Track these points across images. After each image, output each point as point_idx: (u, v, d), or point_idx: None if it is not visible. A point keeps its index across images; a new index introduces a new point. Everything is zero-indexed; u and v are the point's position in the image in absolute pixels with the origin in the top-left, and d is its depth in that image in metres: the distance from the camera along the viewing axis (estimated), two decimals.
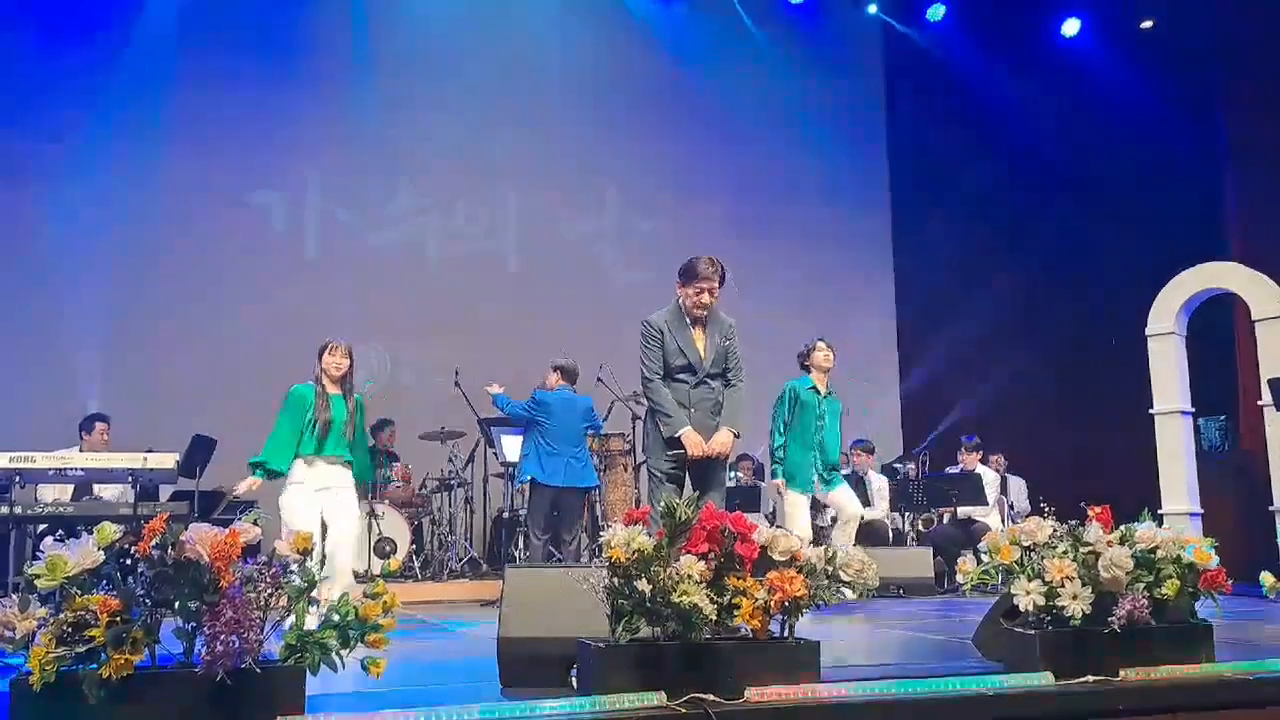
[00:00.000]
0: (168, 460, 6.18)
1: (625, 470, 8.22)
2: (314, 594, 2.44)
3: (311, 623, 2.44)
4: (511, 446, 8.01)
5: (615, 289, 10.63)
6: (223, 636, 2.24)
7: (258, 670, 2.28)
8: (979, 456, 8.69)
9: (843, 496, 6.57)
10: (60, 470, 6.08)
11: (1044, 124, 10.70)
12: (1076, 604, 2.99)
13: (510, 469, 8.29)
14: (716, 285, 4.71)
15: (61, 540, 2.32)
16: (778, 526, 6.41)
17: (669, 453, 4.65)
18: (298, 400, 5.25)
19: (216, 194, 9.85)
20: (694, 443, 4.59)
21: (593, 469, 7.23)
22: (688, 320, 4.73)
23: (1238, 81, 9.82)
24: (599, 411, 7.57)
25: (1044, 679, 2.89)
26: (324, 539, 5.03)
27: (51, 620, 2.23)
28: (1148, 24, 10.67)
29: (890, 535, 8.75)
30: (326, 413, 5.21)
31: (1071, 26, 11.10)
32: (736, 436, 4.75)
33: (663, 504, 2.81)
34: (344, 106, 10.27)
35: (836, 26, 11.71)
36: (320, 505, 5.13)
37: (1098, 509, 3.21)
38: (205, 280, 9.67)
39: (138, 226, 9.63)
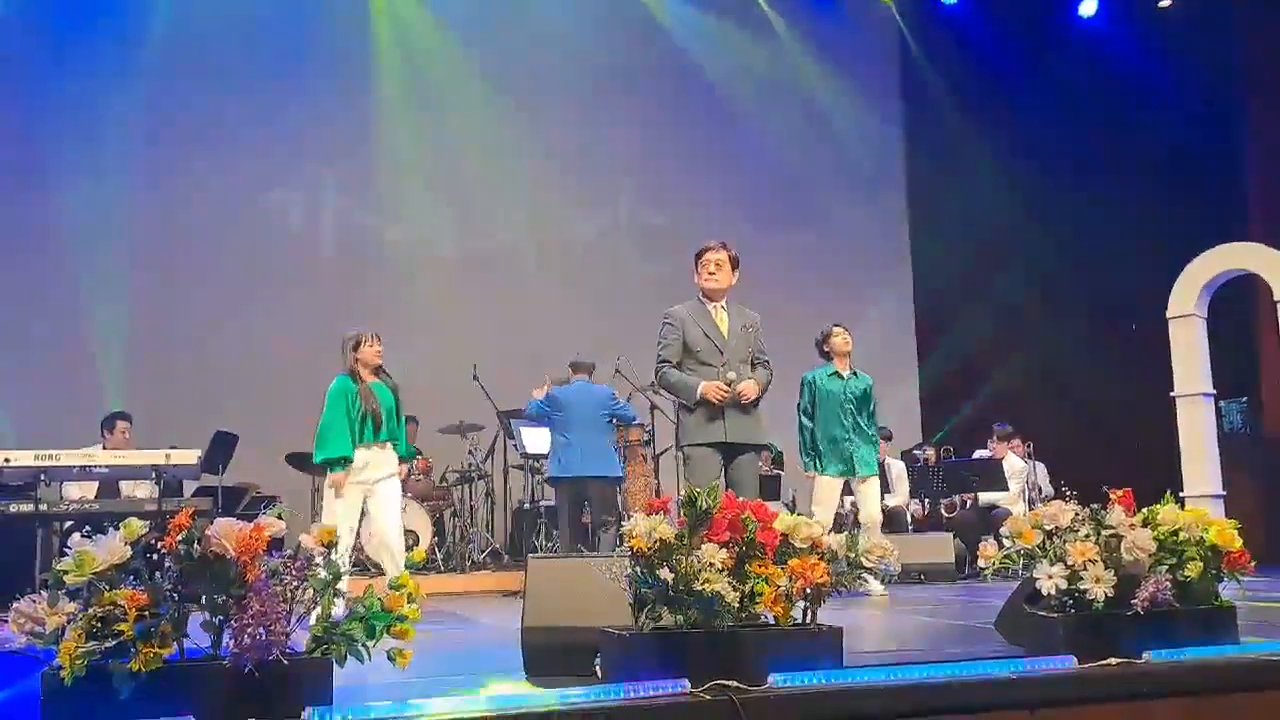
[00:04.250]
0: (190, 457, 6.24)
1: (644, 461, 8.24)
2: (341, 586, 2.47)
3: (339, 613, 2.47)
4: (531, 438, 8.04)
5: (631, 282, 10.62)
6: (250, 629, 2.26)
7: (285, 662, 2.30)
8: (1010, 446, 8.60)
9: (869, 491, 6.45)
10: (85, 467, 6.14)
11: (1062, 105, 10.60)
12: (1099, 587, 2.98)
13: (530, 460, 8.33)
14: (725, 258, 4.77)
15: (89, 536, 2.35)
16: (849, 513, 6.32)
17: (707, 421, 4.60)
18: (341, 392, 5.42)
19: (234, 194, 9.90)
20: (713, 389, 4.57)
21: (616, 460, 7.16)
22: (708, 307, 4.78)
23: (1258, 60, 9.71)
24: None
25: (1067, 662, 2.89)
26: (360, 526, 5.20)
27: (80, 615, 2.26)
28: (1166, 3, 10.57)
29: (910, 521, 8.73)
30: (375, 403, 5.34)
31: (1089, 6, 10.99)
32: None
33: (684, 493, 2.82)
34: (358, 105, 10.29)
35: (851, 10, 11.65)
36: (362, 492, 5.26)
37: (1120, 492, 3.20)
38: (224, 279, 9.73)
39: (157, 227, 9.69)
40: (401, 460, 5.57)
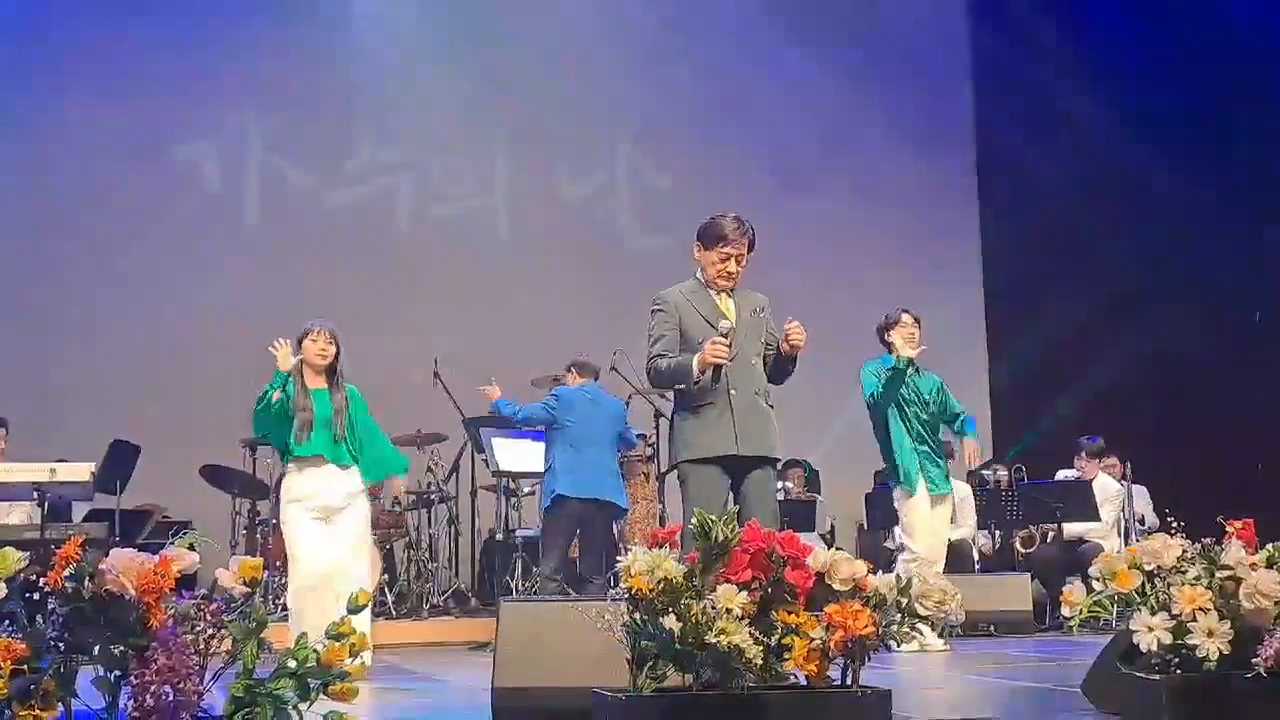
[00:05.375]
0: (80, 472, 6.24)
1: (647, 481, 8.23)
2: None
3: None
4: (505, 451, 8.03)
5: (629, 258, 10.61)
6: (153, 688, 2.26)
7: None
8: (1102, 465, 8.61)
9: (943, 514, 6.54)
10: None
11: (1168, 54, 10.55)
12: (1211, 642, 2.98)
13: (504, 480, 8.33)
14: (745, 252, 4.71)
15: None
16: (899, 546, 6.46)
17: (708, 428, 4.56)
18: (275, 383, 5.45)
19: (133, 148, 9.87)
20: (709, 351, 4.44)
21: (624, 488, 7.26)
22: (711, 291, 4.74)
23: None
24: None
25: None
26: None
27: None
28: None
29: (978, 558, 8.72)
30: (307, 411, 5.36)
31: None
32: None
33: (696, 519, 2.82)
34: (291, 36, 10.26)
35: None
36: (310, 513, 5.39)
37: (1238, 523, 3.20)
38: (123, 253, 9.72)
39: (37, 189, 9.69)
40: (384, 478, 5.76)
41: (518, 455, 7.99)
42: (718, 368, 4.47)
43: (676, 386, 4.65)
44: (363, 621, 4.89)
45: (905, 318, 6.50)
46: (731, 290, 4.75)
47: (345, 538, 5.43)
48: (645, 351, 4.77)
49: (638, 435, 8.07)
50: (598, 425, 7.05)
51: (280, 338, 5.49)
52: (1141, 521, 8.75)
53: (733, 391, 4.54)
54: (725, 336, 4.48)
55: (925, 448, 6.46)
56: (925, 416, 6.48)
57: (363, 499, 5.58)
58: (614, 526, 7.54)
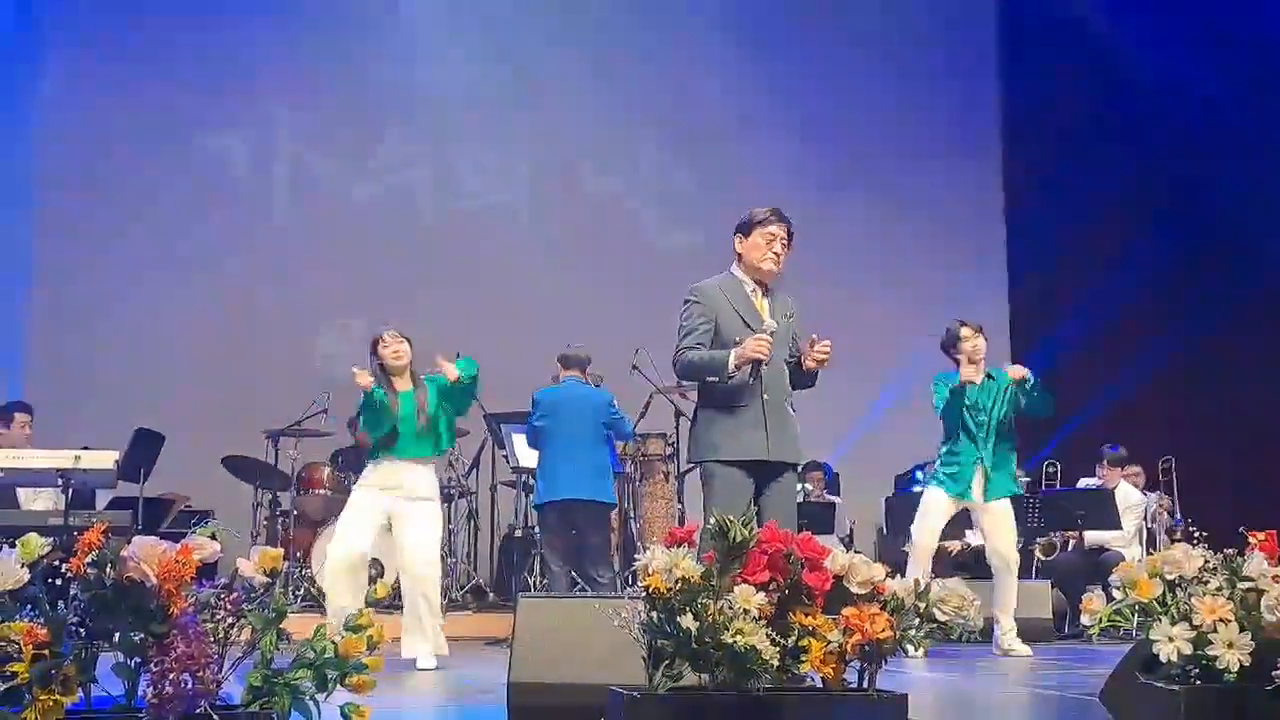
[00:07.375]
0: (105, 460, 6.28)
1: (666, 480, 8.23)
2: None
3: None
4: (526, 448, 8.06)
5: (653, 255, 10.62)
6: (172, 675, 2.28)
7: (214, 717, 2.32)
8: (1123, 472, 8.58)
9: (999, 519, 6.51)
10: None
11: (1204, 49, 10.49)
12: (1232, 654, 2.96)
13: (524, 476, 8.36)
14: (786, 236, 4.68)
15: None
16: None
17: (742, 431, 4.55)
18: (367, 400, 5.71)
19: (160, 138, 9.96)
20: (751, 346, 4.42)
21: (610, 483, 7.20)
22: (747, 289, 4.70)
23: None
24: (631, 409, 7.55)
25: None
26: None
27: None
28: None
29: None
30: (394, 413, 5.67)
31: None
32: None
33: (714, 519, 2.82)
34: (318, 28, 10.33)
35: None
36: (384, 509, 5.61)
37: (1261, 535, 3.18)
38: (150, 243, 9.80)
39: (64, 177, 9.76)
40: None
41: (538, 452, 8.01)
42: (756, 365, 4.46)
43: (706, 379, 4.61)
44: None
45: (965, 331, 6.49)
46: (767, 290, 4.70)
47: (419, 530, 5.58)
48: (674, 343, 4.69)
49: (658, 434, 8.05)
50: (580, 424, 6.95)
51: (355, 365, 5.72)
52: (1153, 520, 8.75)
53: (766, 396, 4.50)
54: (771, 336, 4.47)
55: (968, 453, 6.46)
56: (992, 421, 6.48)
57: (433, 506, 5.73)
58: (609, 522, 7.44)
